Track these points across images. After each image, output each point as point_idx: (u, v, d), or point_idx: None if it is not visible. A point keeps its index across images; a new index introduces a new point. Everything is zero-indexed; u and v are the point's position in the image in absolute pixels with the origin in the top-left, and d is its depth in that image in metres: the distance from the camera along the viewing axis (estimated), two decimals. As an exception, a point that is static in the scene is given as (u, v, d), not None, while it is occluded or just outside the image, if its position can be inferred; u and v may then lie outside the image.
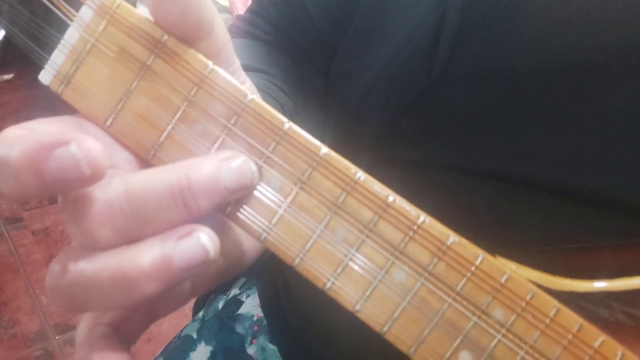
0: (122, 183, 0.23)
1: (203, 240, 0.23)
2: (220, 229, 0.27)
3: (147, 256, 0.22)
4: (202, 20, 0.24)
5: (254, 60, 0.48)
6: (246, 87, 0.25)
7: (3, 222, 1.75)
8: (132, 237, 0.23)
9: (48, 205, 1.81)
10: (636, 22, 0.34)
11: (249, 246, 0.30)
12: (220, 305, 0.62)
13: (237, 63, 0.28)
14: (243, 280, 0.64)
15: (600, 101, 0.36)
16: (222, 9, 2.23)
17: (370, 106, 0.44)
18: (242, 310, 0.60)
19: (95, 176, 0.21)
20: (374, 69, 0.43)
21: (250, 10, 0.56)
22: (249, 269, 0.32)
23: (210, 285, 0.28)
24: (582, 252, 0.33)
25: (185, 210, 0.23)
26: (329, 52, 0.50)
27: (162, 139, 0.25)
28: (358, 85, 0.44)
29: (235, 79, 0.25)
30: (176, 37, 0.24)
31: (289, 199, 0.25)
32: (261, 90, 0.44)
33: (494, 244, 0.27)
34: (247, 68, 0.45)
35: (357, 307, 0.26)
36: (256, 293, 0.61)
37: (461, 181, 0.41)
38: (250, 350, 0.58)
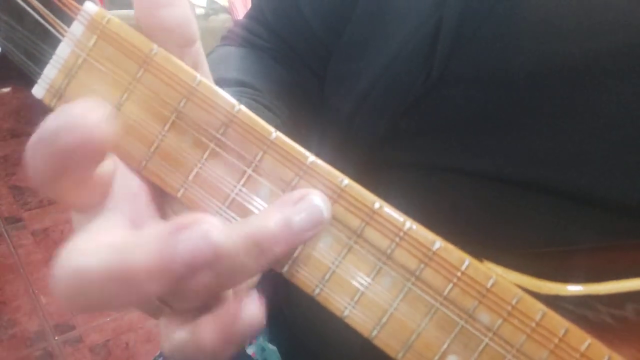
0: (73, 266, 0.22)
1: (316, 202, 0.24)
2: None
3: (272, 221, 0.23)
4: (189, 27, 0.25)
5: (245, 74, 0.48)
6: None
7: (3, 223, 1.75)
8: (95, 309, 0.23)
9: (48, 205, 1.82)
10: (632, 25, 0.34)
11: None
12: (220, 305, 0.62)
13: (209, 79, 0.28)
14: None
15: (597, 103, 0.36)
16: (222, 9, 2.23)
17: (367, 110, 0.44)
18: (242, 310, 0.60)
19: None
20: (371, 73, 0.43)
21: (248, 16, 0.56)
22: None
23: None
24: (570, 255, 0.33)
25: (137, 296, 0.21)
26: (327, 57, 0.50)
27: (152, 150, 0.25)
28: (355, 89, 0.44)
29: None
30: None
31: None
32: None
33: (489, 247, 0.27)
34: (237, 83, 0.46)
35: (346, 313, 0.26)
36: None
37: (458, 183, 0.41)
38: (250, 350, 0.59)
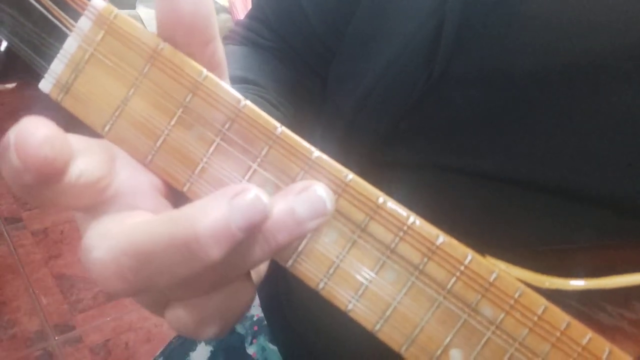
0: (126, 241, 0.22)
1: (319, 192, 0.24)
2: None
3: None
4: (209, 23, 0.24)
5: (249, 72, 0.48)
6: None
7: (3, 223, 1.75)
8: (143, 287, 0.23)
9: (47, 205, 1.81)
10: (632, 25, 0.34)
11: None
12: (220, 305, 0.62)
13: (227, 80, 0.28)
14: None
15: (597, 103, 0.36)
16: (222, 9, 2.23)
17: (369, 110, 0.44)
18: (243, 310, 0.61)
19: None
20: (373, 73, 0.43)
21: (250, 16, 0.56)
22: None
23: None
24: (571, 253, 0.34)
25: (197, 263, 0.22)
26: (328, 56, 0.50)
27: (158, 144, 0.25)
28: (357, 89, 0.45)
29: None
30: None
31: None
32: None
33: (489, 246, 0.27)
34: (241, 80, 0.46)
35: (350, 307, 0.26)
36: (256, 293, 0.62)
37: (459, 183, 0.41)
38: (251, 350, 0.59)
